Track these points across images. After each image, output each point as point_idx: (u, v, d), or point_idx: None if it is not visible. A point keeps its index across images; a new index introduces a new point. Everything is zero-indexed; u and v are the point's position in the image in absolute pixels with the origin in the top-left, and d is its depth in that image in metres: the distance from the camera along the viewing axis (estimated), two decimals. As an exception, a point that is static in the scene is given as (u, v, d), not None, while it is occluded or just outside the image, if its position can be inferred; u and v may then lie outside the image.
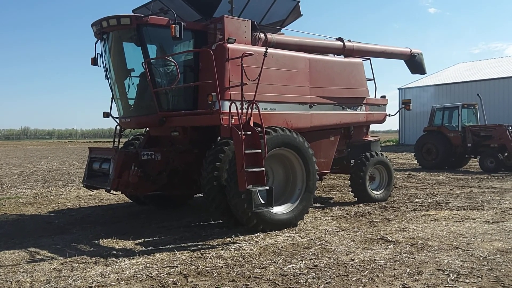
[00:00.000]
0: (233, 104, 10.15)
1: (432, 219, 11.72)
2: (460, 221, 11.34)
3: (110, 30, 11.78)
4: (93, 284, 7.20)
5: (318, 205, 14.18)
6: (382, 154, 15.00)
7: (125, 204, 15.30)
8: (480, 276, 7.16)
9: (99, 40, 12.45)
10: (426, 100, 45.45)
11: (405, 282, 6.93)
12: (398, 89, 57.49)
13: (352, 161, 14.97)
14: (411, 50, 17.08)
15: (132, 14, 11.61)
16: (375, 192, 14.58)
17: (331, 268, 7.70)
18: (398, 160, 32.60)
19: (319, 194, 16.52)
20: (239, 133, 9.80)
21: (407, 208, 13.36)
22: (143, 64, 11.26)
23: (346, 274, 7.38)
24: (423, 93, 51.69)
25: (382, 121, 15.82)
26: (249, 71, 10.51)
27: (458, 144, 26.62)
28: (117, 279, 7.45)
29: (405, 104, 15.99)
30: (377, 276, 7.24)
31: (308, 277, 7.27)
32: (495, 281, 6.93)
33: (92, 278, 7.49)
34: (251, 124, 10.24)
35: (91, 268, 8.10)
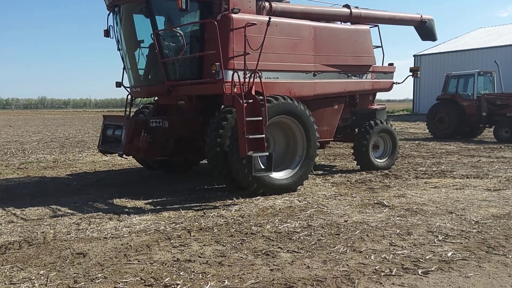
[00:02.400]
0: (235, 73, 10.51)
1: (433, 186, 11.90)
2: (460, 189, 11.52)
3: (121, 3, 12.24)
4: (107, 236, 7.93)
5: (320, 172, 14.52)
6: (387, 123, 15.09)
7: (137, 169, 15.93)
8: (468, 238, 7.49)
9: (111, 13, 12.92)
10: (442, 68, 44.80)
11: (393, 241, 7.35)
12: (414, 55, 56.00)
13: (356, 129, 15.14)
14: (421, 16, 16.79)
15: None
16: (378, 160, 14.73)
17: (324, 227, 8.18)
18: (410, 130, 32.45)
19: (323, 162, 16.90)
20: (241, 101, 10.21)
21: (409, 176, 13.53)
22: (152, 35, 11.73)
23: (337, 233, 7.84)
24: (439, 60, 50.67)
25: (389, 89, 15.80)
26: (253, 40, 10.81)
27: (472, 113, 25.89)
28: (129, 232, 8.15)
29: (413, 71, 15.81)
30: (367, 235, 7.68)
31: (301, 234, 7.78)
32: (481, 242, 7.26)
33: (107, 231, 8.22)
34: (253, 92, 10.60)
35: (106, 222, 8.84)
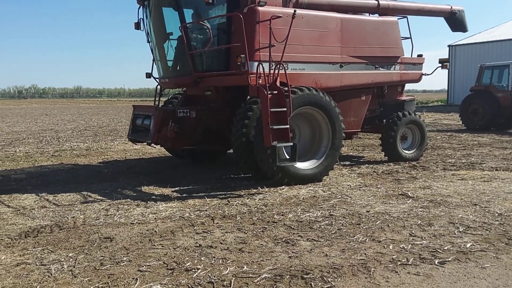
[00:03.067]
0: (260, 65, 10.63)
1: (460, 178, 11.83)
2: (488, 181, 11.43)
3: None
4: (134, 221, 8.21)
5: (347, 163, 14.58)
6: (415, 114, 15.05)
7: (165, 157, 16.20)
8: (489, 229, 7.50)
9: (141, 6, 13.17)
10: (478, 58, 44.28)
11: (413, 232, 7.42)
12: (448, 46, 54.96)
13: (384, 121, 15.10)
14: (451, 8, 16.62)
15: None
16: (406, 151, 14.70)
17: (345, 217, 8.29)
18: (443, 121, 32.06)
19: (351, 153, 16.97)
20: (265, 92, 10.35)
21: (437, 167, 13.47)
22: (180, 28, 11.93)
23: (358, 223, 7.95)
24: (474, 50, 49.98)
25: (417, 80, 15.73)
26: (279, 32, 10.92)
27: (507, 105, 25.28)
28: (155, 218, 8.42)
29: (442, 62, 15.69)
30: (388, 225, 7.76)
31: (322, 224, 7.91)
32: (502, 234, 7.27)
33: (134, 217, 8.52)
34: (278, 84, 10.73)
35: (133, 209, 9.13)
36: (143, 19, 13.35)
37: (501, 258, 6.25)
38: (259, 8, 11.45)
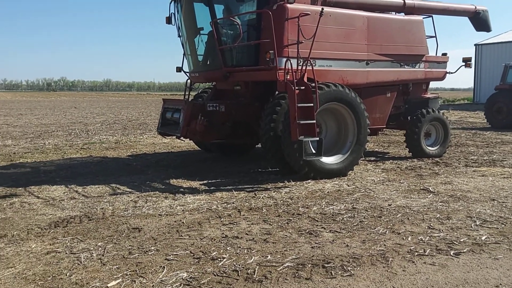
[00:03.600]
0: (288, 61, 10.90)
1: (480, 174, 12.04)
2: (508, 178, 11.63)
3: None
4: (162, 213, 8.50)
5: (372, 158, 14.83)
6: (439, 111, 15.24)
7: (194, 151, 16.52)
8: (505, 223, 7.75)
9: (173, 1, 13.48)
10: (504, 57, 44.05)
11: (431, 224, 7.69)
12: (475, 45, 54.54)
13: (408, 117, 15.31)
14: (475, 7, 16.80)
15: None
16: (430, 148, 14.92)
17: (367, 210, 8.57)
18: (469, 119, 32.02)
19: (376, 149, 17.22)
20: (293, 87, 10.61)
21: (459, 164, 13.67)
22: (211, 23, 12.21)
23: (379, 216, 8.22)
24: (501, 49, 49.69)
25: (442, 78, 15.93)
26: (307, 29, 11.17)
27: None
28: (183, 210, 8.70)
29: (465, 61, 15.87)
30: (408, 218, 8.03)
31: (344, 216, 8.19)
32: (516, 227, 7.56)
33: (162, 209, 8.80)
34: (305, 79, 10.98)
35: (162, 201, 9.41)
36: (174, 14, 13.65)
37: (515, 251, 6.49)
38: (288, 5, 11.68)
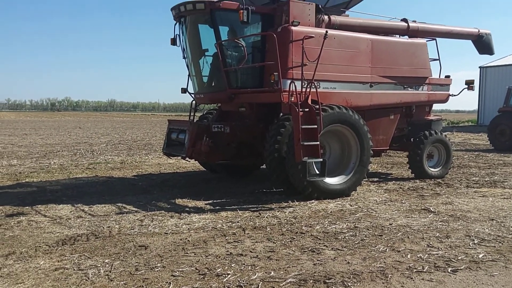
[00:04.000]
0: (293, 83, 11.06)
1: (481, 195, 12.20)
2: (507, 198, 11.80)
3: (186, 14, 12.97)
4: (168, 231, 8.67)
5: (375, 179, 14.98)
6: (441, 133, 15.40)
7: (200, 171, 16.69)
8: (502, 242, 7.95)
9: (177, 23, 13.68)
10: (508, 80, 44.14)
11: (431, 243, 7.88)
12: (479, 67, 54.52)
13: (411, 139, 15.44)
14: (479, 31, 17.04)
15: (206, 0, 12.54)
16: (432, 169, 15.11)
17: (369, 229, 8.74)
18: (472, 141, 32.14)
19: (379, 170, 17.36)
20: (297, 109, 10.79)
21: (460, 185, 13.82)
22: (216, 45, 12.42)
23: (380, 234, 8.40)
24: (505, 72, 49.76)
25: (444, 101, 16.11)
26: (312, 52, 11.38)
27: None
28: (188, 228, 8.88)
29: (468, 84, 16.05)
30: (408, 237, 8.22)
31: (346, 235, 8.36)
32: (513, 246, 7.74)
33: (168, 227, 8.97)
34: (309, 102, 11.17)
35: (167, 220, 9.58)
36: (179, 35, 13.84)
37: (510, 268, 6.69)
38: (293, 28, 11.95)
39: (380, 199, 11.68)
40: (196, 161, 15.13)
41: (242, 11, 11.29)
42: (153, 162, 19.55)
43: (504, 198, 11.88)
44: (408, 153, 15.22)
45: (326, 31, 11.39)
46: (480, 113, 54.69)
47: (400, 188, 13.34)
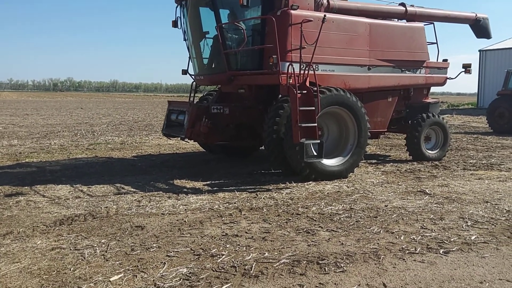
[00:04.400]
0: (291, 66, 11.23)
1: (477, 178, 12.31)
2: (503, 181, 11.90)
3: None
4: (165, 212, 8.77)
5: (373, 161, 15.11)
6: (439, 116, 15.52)
7: (199, 152, 16.84)
8: (495, 224, 8.04)
9: (178, 5, 13.77)
10: (508, 63, 44.18)
11: (424, 224, 7.98)
12: (479, 50, 54.64)
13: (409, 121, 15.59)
14: (476, 15, 17.20)
15: None
16: (430, 151, 15.24)
17: (364, 211, 8.85)
18: (472, 124, 32.23)
19: (378, 152, 17.51)
20: (295, 91, 10.90)
21: (457, 167, 13.93)
22: (216, 27, 12.51)
23: (375, 216, 8.51)
24: (505, 55, 49.77)
25: (442, 84, 16.22)
26: (310, 35, 11.46)
27: None
28: (185, 209, 8.98)
29: (465, 67, 16.18)
30: (402, 219, 8.31)
31: (342, 216, 8.47)
32: (506, 228, 7.80)
33: (165, 208, 9.07)
34: (307, 84, 11.29)
35: (165, 200, 9.68)
36: (180, 18, 13.93)
37: (501, 249, 6.80)
38: (292, 11, 12.02)
39: (377, 181, 11.79)
40: (196, 142, 15.22)
41: None
42: (153, 143, 19.69)
43: (500, 180, 11.97)
44: (406, 135, 15.33)
45: (325, 15, 11.48)
46: (480, 96, 54.72)
47: (398, 170, 13.44)
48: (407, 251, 6.64)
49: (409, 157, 15.40)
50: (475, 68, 50.55)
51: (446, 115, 40.53)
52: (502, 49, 51.77)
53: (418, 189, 10.80)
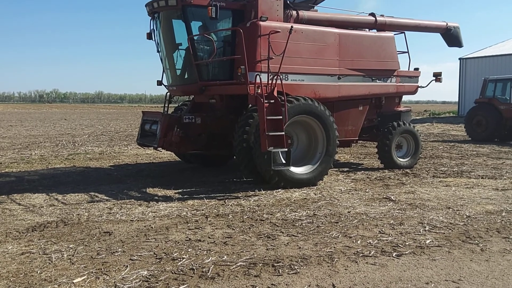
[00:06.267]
0: (258, 76, 11.48)
1: (445, 185, 12.56)
2: (470, 188, 12.15)
3: (160, 10, 13.28)
4: (134, 219, 9.01)
5: (345, 169, 15.38)
6: (410, 124, 15.76)
7: (175, 162, 17.05)
8: (452, 229, 8.30)
9: (152, 18, 13.99)
10: (487, 71, 44.61)
11: (383, 229, 8.23)
12: (459, 59, 54.53)
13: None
14: (447, 24, 17.45)
15: None
16: (401, 159, 15.49)
17: (326, 217, 9.09)
18: (451, 132, 32.64)
19: (351, 160, 17.78)
20: (262, 101, 11.15)
21: (427, 175, 14.20)
22: (188, 39, 12.76)
23: (337, 221, 8.75)
24: (484, 63, 50.20)
25: (413, 92, 16.55)
26: (279, 46, 11.78)
27: (509, 117, 25.95)
28: (154, 216, 9.22)
29: (435, 76, 16.38)
30: (362, 224, 8.57)
31: (304, 222, 8.72)
32: (462, 233, 8.06)
33: (135, 215, 9.31)
34: (275, 93, 11.55)
35: (135, 208, 9.92)
36: (154, 30, 14.14)
37: (452, 253, 7.06)
38: (261, 23, 12.36)
39: (345, 188, 12.04)
40: (172, 152, 15.44)
41: (210, 7, 11.72)
42: (132, 152, 19.90)
43: (467, 187, 12.24)
44: (377, 143, 15.57)
45: (291, 26, 11.81)
46: (461, 104, 54.96)
47: (368, 178, 13.72)
48: (361, 254, 6.89)
49: (381, 165, 15.63)
50: (455, 77, 51.12)
51: (426, 124, 40.91)
52: (482, 57, 52.11)
53: (384, 196, 11.05)
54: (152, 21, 13.98)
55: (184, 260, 6.66)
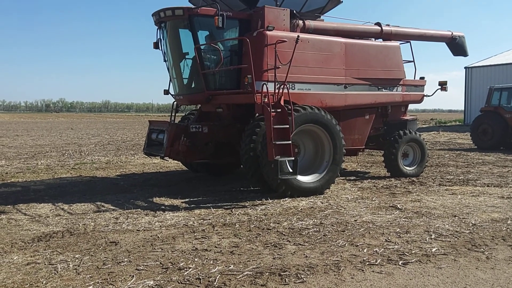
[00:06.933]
0: (265, 85, 11.56)
1: (451, 193, 12.55)
2: (476, 196, 12.15)
3: (166, 19, 13.37)
4: (140, 228, 9.01)
5: (352, 177, 15.39)
6: (416, 133, 15.81)
7: (182, 171, 17.08)
8: (458, 237, 8.31)
9: (159, 28, 14.06)
10: (493, 80, 44.59)
11: (389, 238, 8.24)
12: (465, 67, 54.73)
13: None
14: (452, 33, 17.59)
15: (185, 6, 12.93)
16: (407, 168, 15.51)
17: (333, 225, 9.11)
18: (457, 140, 32.52)
19: (358, 169, 17.77)
20: (269, 110, 11.18)
21: (434, 183, 14.19)
22: (194, 49, 12.81)
23: (343, 230, 8.76)
24: (490, 72, 50.15)
25: (419, 101, 16.61)
26: (286, 55, 11.87)
27: None
28: (160, 226, 9.21)
29: (441, 85, 16.46)
30: (369, 233, 8.58)
31: (310, 230, 8.73)
32: (468, 241, 8.06)
33: (141, 224, 9.32)
34: (282, 102, 11.58)
35: (142, 218, 9.92)
36: (161, 39, 14.21)
37: (458, 261, 7.06)
38: (267, 32, 12.41)
39: (352, 197, 12.05)
40: (179, 161, 15.48)
41: (217, 17, 11.78)
42: (138, 162, 19.91)
43: (473, 195, 12.22)
44: (383, 152, 15.58)
45: (298, 36, 11.86)
46: (467, 112, 54.92)
47: (374, 186, 13.73)
48: (367, 263, 6.90)
49: (387, 173, 15.65)
50: (461, 85, 51.11)
51: (433, 132, 40.86)
52: (487, 66, 52.10)
53: (390, 204, 11.06)
54: (159, 30, 14.03)
55: (190, 269, 6.67)
